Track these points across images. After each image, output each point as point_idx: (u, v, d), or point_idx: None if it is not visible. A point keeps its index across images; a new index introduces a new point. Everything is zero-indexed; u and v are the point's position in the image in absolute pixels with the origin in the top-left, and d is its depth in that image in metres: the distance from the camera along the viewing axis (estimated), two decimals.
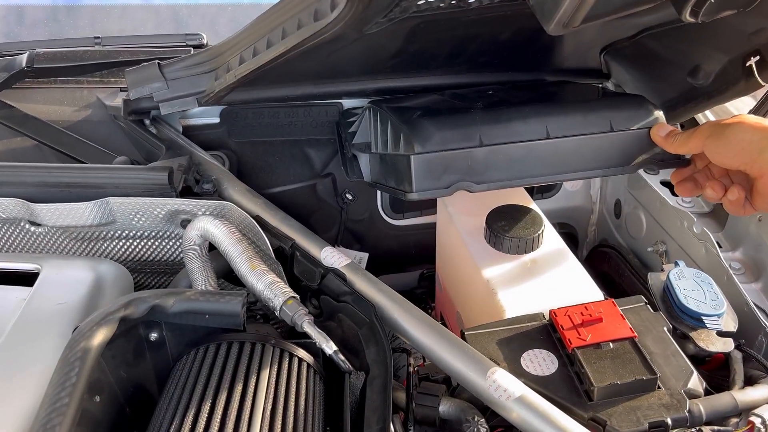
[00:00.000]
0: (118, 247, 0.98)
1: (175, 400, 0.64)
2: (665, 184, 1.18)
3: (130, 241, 0.97)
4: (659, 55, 0.99)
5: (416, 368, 0.87)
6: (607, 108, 0.93)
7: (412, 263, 1.37)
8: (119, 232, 0.95)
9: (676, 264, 0.93)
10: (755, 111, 1.01)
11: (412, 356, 0.98)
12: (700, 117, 1.10)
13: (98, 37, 1.18)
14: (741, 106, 1.11)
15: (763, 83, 0.87)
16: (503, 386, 0.73)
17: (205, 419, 0.61)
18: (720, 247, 1.02)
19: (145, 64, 0.99)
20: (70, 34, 1.31)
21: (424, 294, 1.38)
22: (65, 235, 0.95)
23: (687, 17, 0.72)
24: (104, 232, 0.95)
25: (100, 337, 0.64)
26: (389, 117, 0.97)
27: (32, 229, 0.96)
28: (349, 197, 1.24)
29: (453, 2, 0.79)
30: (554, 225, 1.07)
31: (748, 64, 0.87)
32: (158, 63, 0.99)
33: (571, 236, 1.42)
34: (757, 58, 0.85)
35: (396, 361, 1.06)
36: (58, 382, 0.60)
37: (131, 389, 0.72)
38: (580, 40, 1.04)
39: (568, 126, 0.90)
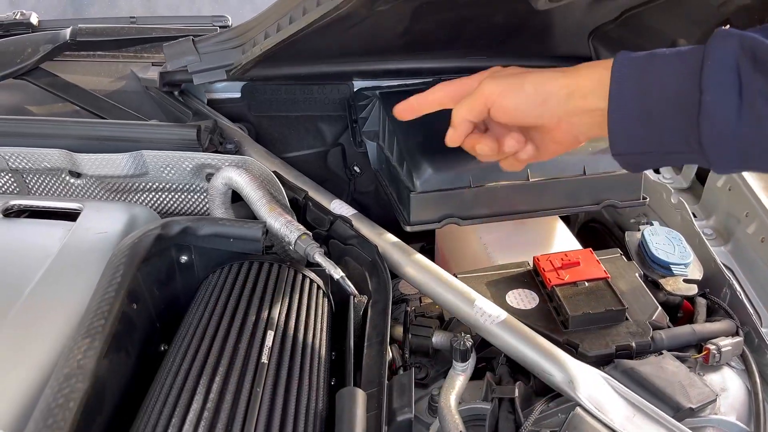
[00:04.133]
0: (149, 198, 1.08)
1: (202, 307, 0.75)
2: None
3: (160, 193, 1.08)
4: (641, 34, 1.10)
5: (414, 308, 0.97)
6: (581, 152, 1.03)
7: (414, 236, 1.47)
8: (150, 184, 1.06)
9: (651, 224, 1.03)
10: None
11: (410, 302, 1.08)
12: None
13: (134, 17, 1.31)
14: None
15: None
16: (488, 312, 0.83)
17: (227, 324, 0.71)
18: (695, 216, 1.12)
19: (181, 39, 1.10)
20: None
21: None
22: (101, 186, 1.06)
23: None
24: (136, 184, 1.06)
25: (140, 249, 0.75)
26: (396, 135, 1.09)
27: (72, 180, 1.07)
28: (357, 170, 1.35)
29: None
30: None
31: None
32: (192, 39, 1.11)
33: (565, 216, 1.51)
34: (728, 26, 0.95)
35: (396, 312, 1.16)
36: (106, 281, 0.71)
37: (162, 306, 0.82)
38: (568, 24, 1.14)
39: (545, 169, 1.01)
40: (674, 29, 1.04)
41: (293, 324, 0.74)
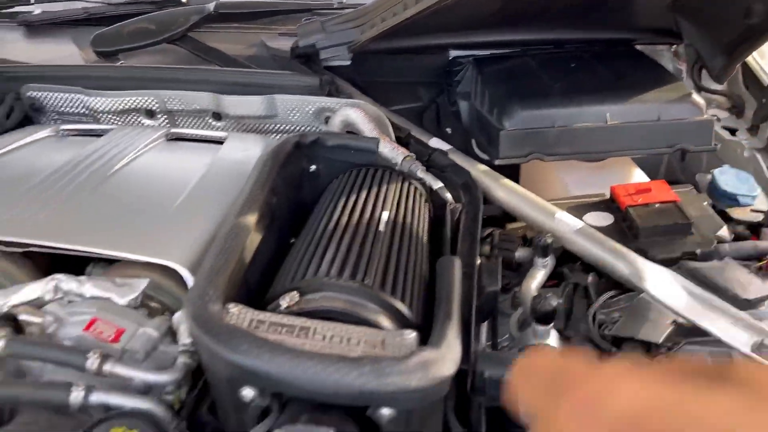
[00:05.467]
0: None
1: (328, 199, 0.92)
2: (725, 128, 1.37)
3: (286, 135, 1.27)
4: (717, 2, 1.20)
5: (500, 231, 1.11)
6: (657, 101, 1.15)
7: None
8: (278, 125, 1.26)
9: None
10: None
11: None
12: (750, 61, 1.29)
13: None
14: None
15: None
16: (567, 222, 0.95)
17: (351, 205, 0.88)
18: None
19: (311, 20, 1.31)
20: None
21: None
22: (238, 127, 1.27)
23: None
24: (267, 125, 1.26)
25: (283, 151, 0.93)
26: (487, 88, 1.24)
27: (213, 122, 1.28)
28: (448, 131, 1.50)
29: None
30: None
31: None
32: (320, 21, 1.31)
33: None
34: None
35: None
36: (257, 171, 0.89)
37: (293, 208, 1.00)
38: None
39: (623, 114, 1.13)
40: None
41: (403, 210, 0.90)
